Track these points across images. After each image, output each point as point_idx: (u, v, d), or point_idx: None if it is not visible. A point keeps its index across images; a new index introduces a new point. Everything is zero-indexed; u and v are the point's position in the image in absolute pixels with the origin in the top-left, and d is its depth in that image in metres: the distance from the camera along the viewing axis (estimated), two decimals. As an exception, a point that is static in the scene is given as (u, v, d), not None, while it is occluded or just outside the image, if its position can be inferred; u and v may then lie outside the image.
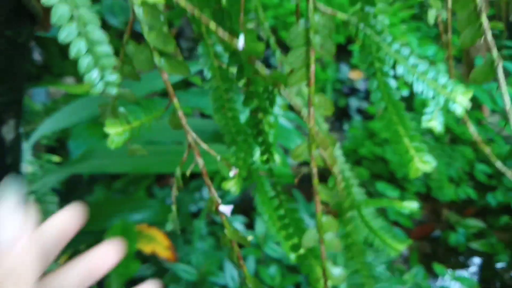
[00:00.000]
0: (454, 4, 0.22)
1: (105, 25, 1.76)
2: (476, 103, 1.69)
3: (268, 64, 2.16)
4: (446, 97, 0.24)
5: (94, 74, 0.21)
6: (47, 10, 0.25)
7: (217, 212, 0.28)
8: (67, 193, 1.55)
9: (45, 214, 1.34)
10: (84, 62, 0.21)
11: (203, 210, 1.38)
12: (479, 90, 1.63)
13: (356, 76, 2.03)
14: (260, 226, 1.18)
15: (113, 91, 0.22)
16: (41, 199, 1.28)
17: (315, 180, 0.28)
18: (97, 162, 0.87)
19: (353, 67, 2.04)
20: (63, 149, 1.56)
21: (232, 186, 0.31)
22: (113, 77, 0.22)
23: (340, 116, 2.07)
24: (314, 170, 0.27)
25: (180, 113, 0.26)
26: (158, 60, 0.23)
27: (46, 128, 0.97)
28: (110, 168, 0.81)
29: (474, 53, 2.01)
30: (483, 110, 1.70)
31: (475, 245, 1.48)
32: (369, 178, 1.60)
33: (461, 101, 0.24)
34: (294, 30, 0.25)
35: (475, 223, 1.52)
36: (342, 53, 2.02)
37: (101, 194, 1.53)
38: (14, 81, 0.57)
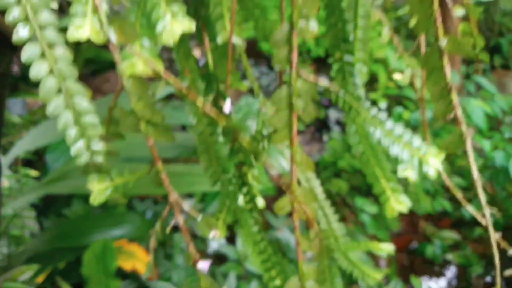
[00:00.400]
0: (428, 80, 0.23)
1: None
2: (452, 118, 1.73)
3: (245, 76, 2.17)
4: (419, 159, 0.26)
5: (80, 144, 0.22)
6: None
7: (195, 267, 0.28)
8: (45, 207, 1.53)
9: (22, 229, 1.31)
10: (71, 133, 0.22)
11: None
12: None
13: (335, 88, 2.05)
14: (241, 241, 1.18)
15: (100, 159, 0.23)
16: (18, 214, 1.25)
17: (297, 232, 0.29)
18: (75, 182, 0.87)
19: (333, 79, 2.07)
20: (40, 162, 1.54)
21: (217, 232, 0.32)
22: (99, 145, 0.22)
23: (319, 127, 2.09)
24: (296, 223, 0.28)
25: (164, 175, 0.27)
26: (144, 127, 0.24)
27: (24, 145, 0.96)
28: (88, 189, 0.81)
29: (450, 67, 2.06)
30: (457, 124, 1.74)
31: (450, 256, 1.52)
32: (348, 191, 1.63)
33: (433, 163, 0.26)
34: (278, 94, 0.26)
35: (451, 235, 1.56)
36: (322, 65, 2.05)
37: (80, 208, 1.50)
38: (-6, 109, 0.57)
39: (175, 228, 1.45)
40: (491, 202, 1.65)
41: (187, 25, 0.21)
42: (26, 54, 0.21)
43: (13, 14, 0.21)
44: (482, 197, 0.26)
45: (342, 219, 1.63)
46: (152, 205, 1.55)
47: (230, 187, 0.30)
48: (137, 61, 0.22)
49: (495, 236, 0.27)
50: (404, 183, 1.71)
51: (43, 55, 0.21)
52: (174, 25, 0.21)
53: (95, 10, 0.21)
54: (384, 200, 0.40)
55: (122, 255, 1.16)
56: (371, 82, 1.96)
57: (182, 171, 0.84)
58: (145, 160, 1.15)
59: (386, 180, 0.39)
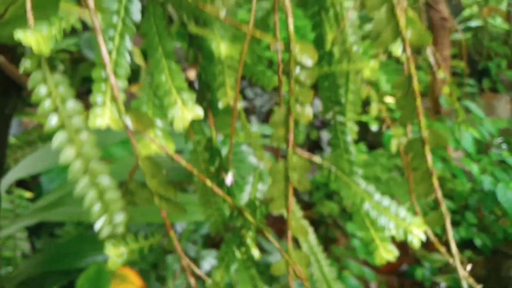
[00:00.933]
0: (411, 163, 0.26)
1: (82, 58, 1.76)
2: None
3: (243, 96, 2.20)
4: (404, 229, 0.28)
5: (103, 220, 0.24)
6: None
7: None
8: (37, 227, 1.52)
9: (15, 250, 1.31)
10: (96, 209, 0.24)
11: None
12: (443, 130, 1.72)
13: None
14: None
15: (120, 230, 0.25)
16: (11, 235, 1.26)
17: (292, 292, 0.31)
18: (70, 209, 0.88)
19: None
20: (35, 182, 1.54)
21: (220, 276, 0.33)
22: (121, 217, 0.24)
23: (312, 148, 2.12)
24: (291, 284, 0.30)
25: (176, 241, 0.29)
26: (158, 201, 0.26)
27: (19, 171, 0.97)
28: (84, 217, 0.82)
29: (439, 90, 2.11)
30: (447, 148, 1.78)
31: (440, 279, 1.54)
32: (340, 213, 1.65)
33: (416, 233, 0.28)
34: (275, 167, 0.28)
35: (440, 258, 1.59)
36: (315, 88, 2.08)
37: (72, 229, 1.51)
38: (-3, 148, 0.58)
39: (168, 250, 1.45)
40: (480, 226, 1.68)
41: (197, 112, 0.23)
42: (57, 141, 0.23)
43: (45, 105, 0.23)
44: (461, 272, 0.29)
45: (333, 241, 1.65)
46: (144, 227, 1.56)
47: (229, 246, 0.32)
48: (150, 143, 0.24)
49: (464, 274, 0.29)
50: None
51: (70, 140, 0.23)
52: (185, 112, 0.23)
53: (114, 99, 0.23)
54: (373, 248, 0.42)
55: (115, 279, 1.16)
56: (363, 105, 1.99)
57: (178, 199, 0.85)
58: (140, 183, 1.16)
59: (375, 230, 0.41)
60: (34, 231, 1.48)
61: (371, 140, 1.98)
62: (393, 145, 0.33)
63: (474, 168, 1.68)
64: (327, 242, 1.68)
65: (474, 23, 2.20)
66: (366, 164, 1.78)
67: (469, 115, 1.98)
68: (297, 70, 0.24)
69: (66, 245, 1.29)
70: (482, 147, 1.94)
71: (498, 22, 2.11)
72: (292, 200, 0.28)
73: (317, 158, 0.29)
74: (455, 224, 1.66)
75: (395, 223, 0.28)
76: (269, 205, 0.29)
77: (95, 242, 1.25)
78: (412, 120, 0.23)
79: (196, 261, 1.54)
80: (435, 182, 0.25)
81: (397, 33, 0.21)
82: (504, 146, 1.99)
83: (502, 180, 1.57)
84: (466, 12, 2.12)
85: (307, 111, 0.25)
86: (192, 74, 2.05)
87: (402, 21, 0.21)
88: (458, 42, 2.21)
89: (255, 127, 1.50)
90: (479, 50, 2.52)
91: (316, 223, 1.71)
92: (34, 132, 1.59)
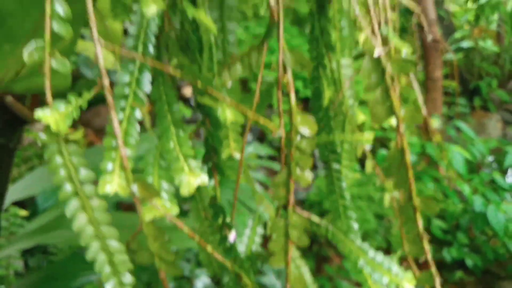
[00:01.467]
0: (403, 226, 0.27)
1: (80, 75, 1.78)
2: (432, 161, 1.80)
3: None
4: (396, 284, 0.30)
5: (113, 281, 0.25)
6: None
7: None
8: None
9: (8, 268, 1.31)
10: (106, 271, 0.25)
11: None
12: (434, 150, 1.74)
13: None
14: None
15: None
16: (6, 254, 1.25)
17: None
18: (66, 233, 0.89)
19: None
20: (30, 200, 1.54)
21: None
22: (129, 279, 0.26)
23: (306, 165, 2.13)
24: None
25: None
26: (158, 263, 0.27)
27: (16, 192, 0.98)
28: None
29: (432, 111, 2.14)
30: (438, 168, 1.81)
31: (431, 299, 1.55)
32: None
33: (407, 288, 0.30)
34: (276, 223, 0.30)
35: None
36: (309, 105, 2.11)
37: (67, 247, 1.50)
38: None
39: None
40: (471, 246, 1.70)
41: (203, 179, 0.25)
42: (70, 208, 0.24)
43: (60, 173, 0.24)
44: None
45: (326, 260, 1.66)
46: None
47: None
48: (154, 208, 0.26)
49: None
50: (387, 226, 1.75)
51: (83, 207, 0.25)
52: (191, 179, 0.25)
53: (123, 167, 0.24)
54: (363, 280, 0.43)
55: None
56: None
57: (174, 225, 0.86)
58: (132, 203, 1.17)
59: (369, 274, 0.42)
60: (27, 249, 1.47)
61: (365, 159, 1.99)
62: (386, 200, 0.34)
63: (466, 189, 1.70)
64: (320, 260, 1.68)
65: (465, 44, 2.25)
66: (359, 183, 1.80)
67: (460, 135, 2.01)
68: (298, 138, 0.26)
69: (60, 265, 1.29)
70: (474, 166, 1.97)
71: (489, 45, 2.16)
72: (291, 255, 0.30)
73: (315, 218, 0.30)
74: (447, 244, 1.68)
75: (388, 278, 0.30)
76: (269, 260, 0.30)
77: (88, 262, 1.25)
78: (405, 187, 0.25)
79: (190, 279, 1.54)
80: (426, 245, 0.27)
81: (391, 112, 0.23)
82: (494, 165, 2.02)
83: (493, 201, 1.59)
84: (458, 34, 2.16)
85: (306, 175, 0.27)
86: (187, 91, 2.06)
87: (396, 101, 0.22)
88: (450, 62, 2.26)
89: (251, 146, 1.52)
90: (471, 70, 2.57)
91: (310, 241, 1.71)
92: (30, 149, 1.59)
